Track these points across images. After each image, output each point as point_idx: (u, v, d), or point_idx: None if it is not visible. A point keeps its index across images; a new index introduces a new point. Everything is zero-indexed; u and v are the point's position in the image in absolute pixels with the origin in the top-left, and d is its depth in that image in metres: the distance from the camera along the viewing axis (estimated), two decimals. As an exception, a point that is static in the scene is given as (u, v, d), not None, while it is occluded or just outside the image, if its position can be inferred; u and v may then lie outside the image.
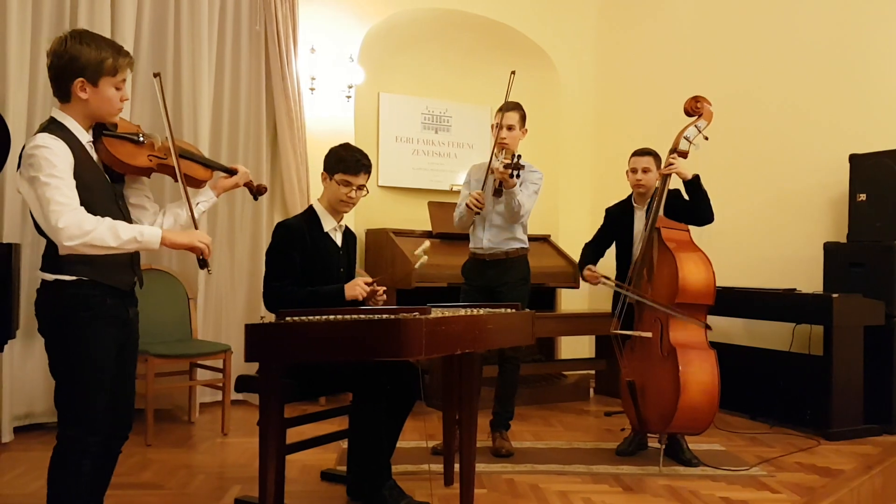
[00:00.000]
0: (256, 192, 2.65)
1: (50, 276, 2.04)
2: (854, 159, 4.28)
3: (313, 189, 4.81)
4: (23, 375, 3.93)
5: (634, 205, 3.86)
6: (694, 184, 3.50)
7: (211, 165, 2.45)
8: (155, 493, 3.02)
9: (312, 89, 4.99)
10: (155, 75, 2.29)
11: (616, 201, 4.05)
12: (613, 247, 3.98)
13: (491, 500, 3.01)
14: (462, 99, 5.98)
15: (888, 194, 4.11)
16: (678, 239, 3.53)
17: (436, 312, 2.41)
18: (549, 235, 5.73)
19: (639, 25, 5.97)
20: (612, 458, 3.62)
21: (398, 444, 3.07)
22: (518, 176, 3.44)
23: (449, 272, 4.63)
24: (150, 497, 2.97)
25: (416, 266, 2.94)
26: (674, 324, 3.41)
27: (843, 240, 4.36)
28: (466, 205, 3.62)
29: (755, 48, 5.05)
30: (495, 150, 3.64)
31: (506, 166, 3.40)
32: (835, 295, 4.03)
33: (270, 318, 2.47)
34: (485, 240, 3.71)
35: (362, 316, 2.29)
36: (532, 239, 3.98)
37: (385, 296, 2.96)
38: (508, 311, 2.73)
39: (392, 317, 2.17)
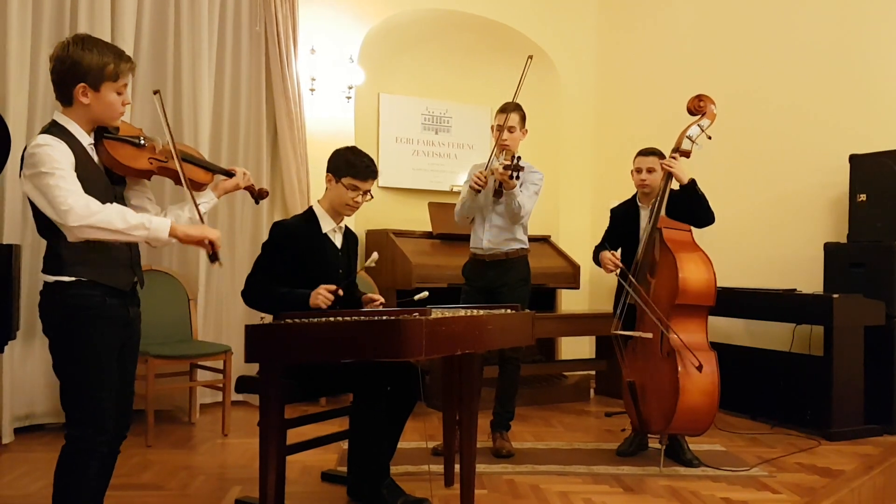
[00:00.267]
0: (258, 196, 2.65)
1: (51, 278, 2.06)
2: (854, 159, 4.28)
3: (314, 190, 4.81)
4: (23, 376, 3.93)
5: (639, 204, 3.85)
6: (688, 189, 3.49)
7: (211, 168, 2.47)
8: (155, 493, 3.02)
9: (312, 90, 4.99)
10: (155, 92, 2.30)
11: (617, 201, 4.05)
12: None
13: (491, 500, 3.01)
14: (462, 99, 5.98)
15: (888, 194, 4.11)
16: (679, 239, 3.52)
17: (436, 313, 2.41)
18: (550, 236, 5.73)
19: (639, 26, 5.97)
20: (613, 459, 3.62)
21: (399, 445, 3.07)
22: (518, 177, 3.43)
23: (449, 273, 4.63)
24: (150, 498, 2.97)
25: (367, 263, 2.90)
26: (674, 324, 3.41)
27: (844, 240, 4.36)
28: (470, 186, 3.59)
29: (755, 48, 5.05)
30: (495, 151, 3.64)
31: (505, 167, 3.40)
32: (835, 295, 4.03)
33: (270, 318, 2.47)
34: (485, 240, 3.71)
35: (362, 317, 2.29)
36: (532, 239, 3.98)
37: (382, 307, 2.93)
38: (508, 311, 2.73)
39: (392, 317, 2.17)
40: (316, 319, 2.30)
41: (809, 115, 4.71)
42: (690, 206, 3.54)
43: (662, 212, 3.53)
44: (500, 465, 3.49)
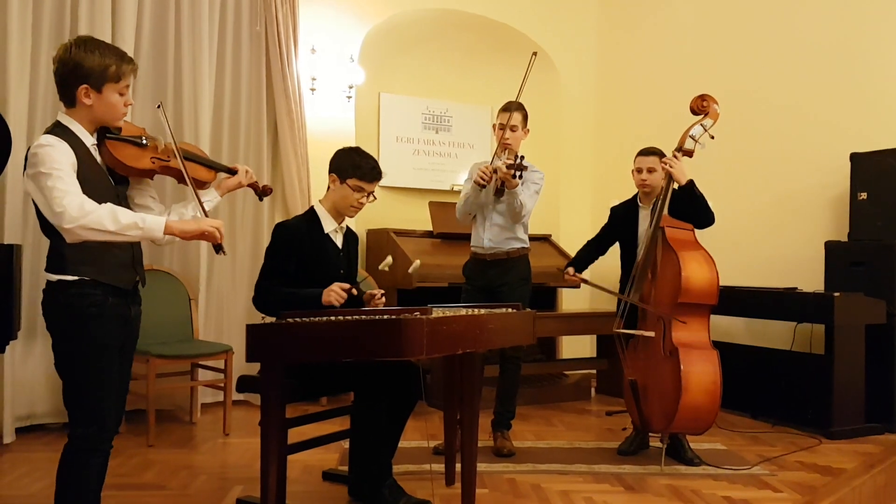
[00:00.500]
0: (262, 193, 2.66)
1: (53, 277, 2.08)
2: (855, 158, 4.28)
3: (314, 189, 4.81)
4: (24, 376, 3.93)
5: (639, 204, 3.85)
6: (686, 190, 3.49)
7: (213, 166, 2.47)
8: (157, 493, 3.02)
9: (313, 90, 4.99)
10: (158, 107, 2.33)
11: (617, 200, 4.05)
12: (617, 246, 3.97)
13: (492, 499, 3.01)
14: (462, 99, 5.98)
15: (889, 193, 4.11)
16: (682, 238, 3.52)
17: (437, 312, 2.41)
18: (550, 235, 5.73)
19: (639, 25, 5.97)
20: (614, 458, 3.62)
21: (400, 444, 3.07)
22: (521, 177, 3.43)
23: (450, 272, 4.63)
24: (151, 498, 2.97)
25: (409, 270, 2.98)
26: (676, 323, 3.41)
27: (845, 239, 4.35)
28: (475, 181, 3.57)
29: (755, 48, 5.05)
30: (497, 151, 3.64)
31: (509, 166, 3.39)
32: (836, 294, 4.03)
33: (271, 318, 2.47)
34: (486, 239, 3.71)
35: (363, 316, 2.29)
36: (533, 238, 3.98)
37: (384, 299, 2.93)
38: (509, 310, 2.73)
39: (393, 317, 2.17)
40: (317, 319, 2.30)
41: (810, 114, 4.71)
42: (690, 207, 3.54)
43: (665, 210, 3.53)
44: (501, 464, 3.50)
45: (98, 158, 2.15)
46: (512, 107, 3.64)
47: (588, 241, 4.03)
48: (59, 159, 1.96)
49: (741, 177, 5.05)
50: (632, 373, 3.57)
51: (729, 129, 4.92)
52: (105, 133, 2.17)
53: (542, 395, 5.08)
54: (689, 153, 3.52)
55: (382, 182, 4.82)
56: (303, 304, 2.66)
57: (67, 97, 2.09)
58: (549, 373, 5.36)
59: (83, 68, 2.04)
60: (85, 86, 2.05)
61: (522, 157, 3.43)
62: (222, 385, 4.09)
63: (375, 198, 3.00)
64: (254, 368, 2.74)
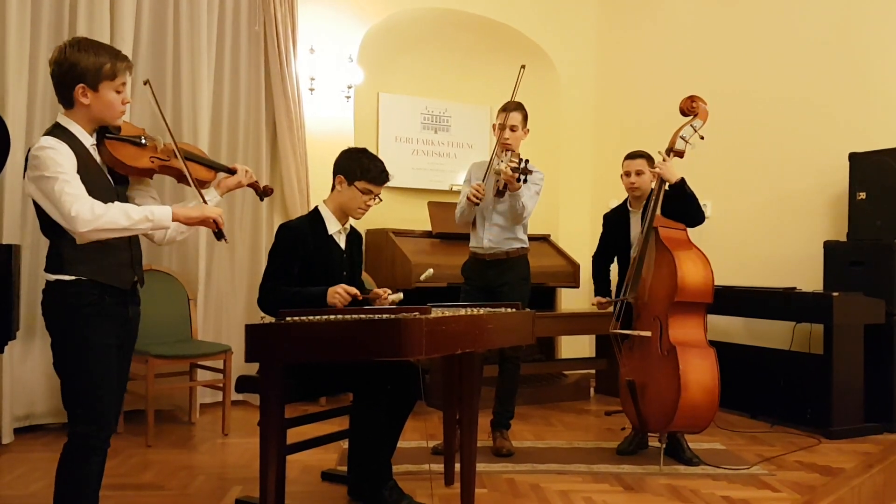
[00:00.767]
0: (263, 193, 2.66)
1: (52, 277, 2.09)
2: (854, 158, 4.29)
3: (313, 189, 4.81)
4: (23, 376, 3.93)
5: (630, 209, 3.87)
6: (678, 188, 3.51)
7: (213, 166, 2.48)
8: (156, 493, 3.02)
9: (312, 90, 4.99)
10: (145, 83, 2.36)
11: (617, 200, 4.07)
12: None
13: (492, 499, 3.01)
14: (462, 99, 5.98)
15: (888, 193, 4.11)
16: (676, 238, 3.53)
17: (436, 312, 2.41)
18: (549, 235, 5.73)
19: (639, 25, 5.97)
20: (613, 458, 3.62)
21: (399, 444, 3.07)
22: (525, 180, 3.43)
23: (449, 272, 4.62)
24: (150, 498, 2.96)
25: (422, 278, 3.01)
26: (673, 322, 3.41)
27: (844, 238, 4.36)
28: (467, 198, 3.61)
29: (754, 47, 5.05)
30: (496, 151, 3.64)
31: (514, 170, 3.39)
32: (835, 293, 4.04)
33: (270, 318, 2.47)
34: (485, 239, 3.71)
35: (363, 316, 2.29)
36: (532, 238, 3.98)
37: (393, 296, 2.87)
38: (509, 310, 2.73)
39: (392, 316, 2.17)
40: (316, 319, 2.29)
41: (809, 113, 4.71)
42: (681, 206, 3.55)
43: (658, 210, 3.54)
44: (500, 464, 3.50)
45: (98, 159, 2.16)
46: (511, 106, 3.64)
47: (593, 258, 4.06)
48: (62, 162, 1.98)
49: (740, 177, 5.05)
50: (629, 373, 3.58)
51: (728, 129, 4.94)
52: (104, 133, 2.19)
53: (542, 394, 5.08)
54: (680, 154, 3.55)
55: (382, 182, 4.72)
56: (307, 303, 2.66)
57: (65, 98, 2.11)
58: (549, 373, 5.36)
59: (78, 68, 2.06)
60: (81, 85, 2.07)
61: (527, 161, 3.43)
62: (221, 385, 4.08)
63: (381, 199, 3.00)
64: (253, 368, 2.74)
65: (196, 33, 4.54)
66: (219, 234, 2.21)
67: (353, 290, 2.73)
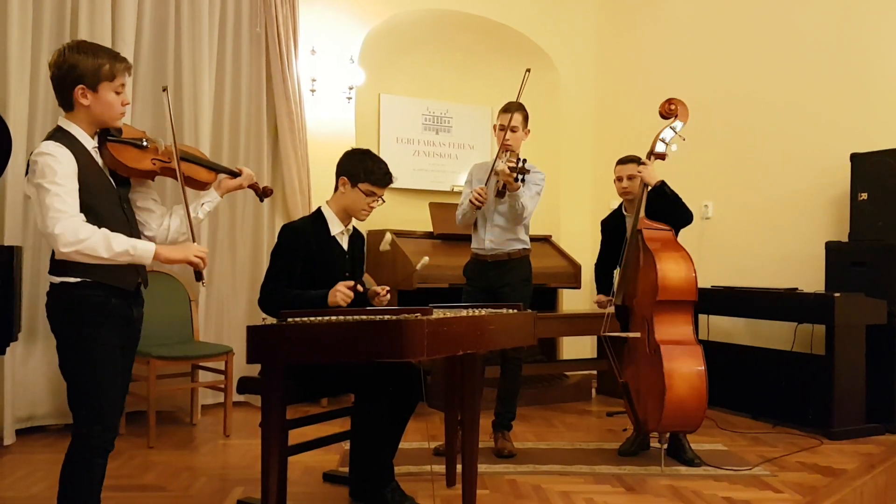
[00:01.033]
0: (263, 194, 2.67)
1: (56, 279, 2.10)
2: (855, 158, 4.28)
3: (315, 190, 4.82)
4: (25, 378, 3.93)
5: (625, 213, 3.88)
6: (658, 190, 3.52)
7: (215, 168, 2.50)
8: (157, 495, 3.02)
9: (313, 91, 4.99)
10: (164, 89, 2.41)
11: (616, 201, 4.06)
12: None
13: (493, 500, 3.01)
14: (463, 100, 5.98)
15: (890, 193, 4.10)
16: (659, 238, 3.54)
17: (438, 313, 2.41)
18: (551, 236, 5.73)
19: (639, 26, 5.97)
20: (615, 459, 3.62)
21: (400, 446, 3.06)
22: (523, 180, 3.44)
23: (450, 273, 4.63)
24: (152, 499, 2.96)
25: (418, 267, 3.00)
26: (658, 321, 3.42)
27: (845, 239, 4.35)
28: (469, 201, 3.61)
29: (755, 48, 5.05)
30: (499, 153, 3.64)
31: (511, 169, 3.39)
32: (836, 294, 4.03)
33: (272, 319, 2.47)
34: (487, 240, 3.71)
35: (364, 317, 2.29)
36: (533, 239, 3.98)
37: (389, 296, 2.93)
38: (510, 311, 2.73)
39: (394, 318, 2.17)
40: (317, 320, 2.29)
41: (810, 114, 4.71)
42: (666, 207, 3.55)
43: (642, 213, 3.55)
44: (501, 465, 3.50)
45: (99, 161, 2.17)
46: (512, 107, 3.64)
47: (596, 265, 4.07)
48: (59, 171, 1.99)
49: (742, 177, 5.05)
50: (625, 375, 3.59)
51: (730, 130, 4.94)
52: (106, 135, 2.20)
53: (543, 395, 5.08)
54: (662, 156, 3.58)
55: (383, 183, 4.73)
56: (309, 306, 2.66)
57: (65, 100, 2.12)
58: (550, 373, 5.35)
59: (77, 69, 2.08)
60: (81, 86, 2.08)
61: (525, 161, 3.43)
62: (223, 386, 4.08)
63: (384, 201, 3.00)
64: (254, 370, 2.74)
65: (197, 35, 4.54)
66: (198, 276, 2.22)
67: (350, 283, 2.74)
